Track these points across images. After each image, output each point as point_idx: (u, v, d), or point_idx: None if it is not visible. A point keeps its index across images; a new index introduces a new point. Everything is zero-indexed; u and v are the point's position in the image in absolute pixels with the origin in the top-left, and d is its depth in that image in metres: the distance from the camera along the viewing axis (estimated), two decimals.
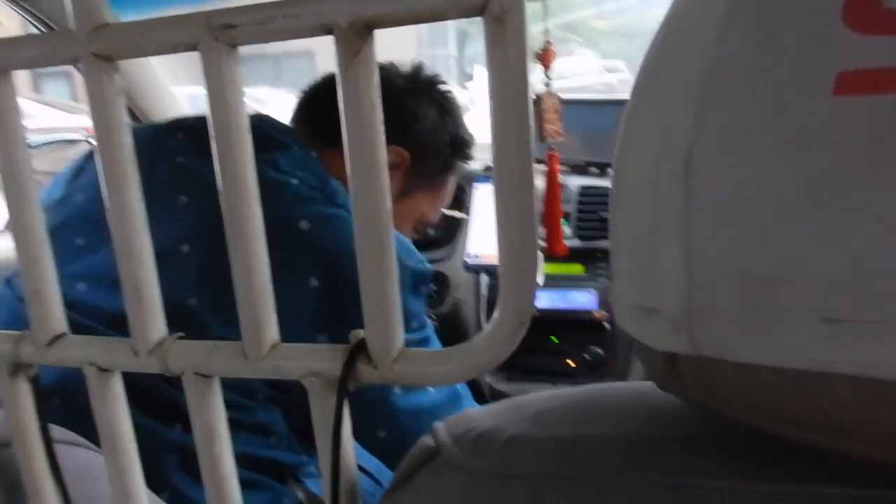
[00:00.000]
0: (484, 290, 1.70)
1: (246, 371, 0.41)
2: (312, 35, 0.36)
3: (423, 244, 1.84)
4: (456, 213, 1.82)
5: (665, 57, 0.29)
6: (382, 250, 0.36)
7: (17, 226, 0.43)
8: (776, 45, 0.24)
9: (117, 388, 0.45)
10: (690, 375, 0.27)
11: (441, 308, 1.72)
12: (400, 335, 0.38)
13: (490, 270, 1.67)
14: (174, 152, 0.90)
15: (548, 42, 1.34)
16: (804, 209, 0.23)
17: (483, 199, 1.75)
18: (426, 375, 0.38)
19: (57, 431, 0.52)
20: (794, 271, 0.23)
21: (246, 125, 0.38)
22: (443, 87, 1.10)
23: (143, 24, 0.38)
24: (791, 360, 0.23)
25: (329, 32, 0.35)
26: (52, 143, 2.48)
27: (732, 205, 0.24)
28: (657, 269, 0.27)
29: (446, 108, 1.09)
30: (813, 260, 0.22)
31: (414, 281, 0.88)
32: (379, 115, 0.35)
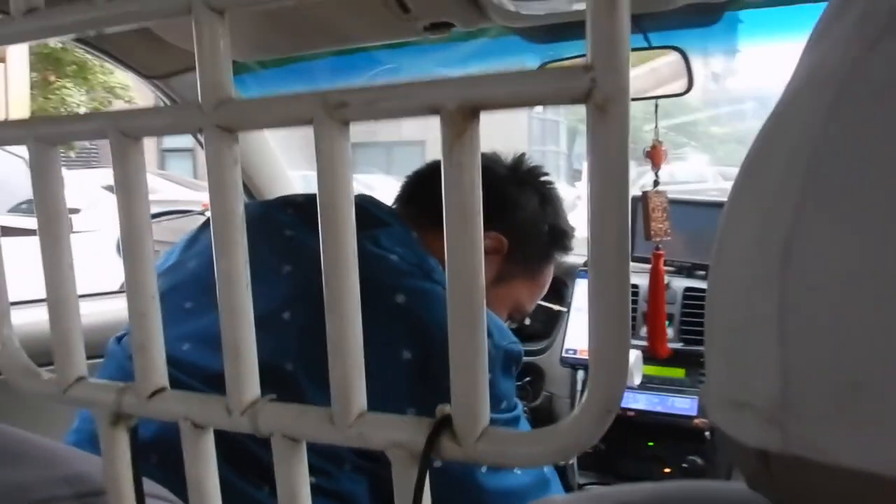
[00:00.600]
0: (580, 386, 1.68)
1: (332, 437, 0.42)
2: (420, 115, 0.37)
3: (521, 336, 1.83)
4: (555, 307, 1.82)
5: (767, 148, 0.29)
6: (474, 328, 0.37)
7: (130, 283, 0.46)
8: (880, 144, 0.24)
9: (209, 444, 0.47)
10: (781, 475, 0.26)
11: (535, 401, 1.70)
12: (486, 413, 0.38)
13: (587, 366, 1.64)
14: (283, 226, 0.94)
15: (658, 141, 1.35)
16: None
17: (583, 294, 1.74)
18: (509, 456, 0.37)
19: (149, 485, 0.54)
20: (891, 369, 0.22)
21: (351, 198, 0.40)
22: (544, 178, 1.12)
23: (263, 101, 0.41)
24: (884, 466, 0.22)
25: (436, 113, 0.36)
26: (171, 213, 2.62)
27: (831, 295, 0.24)
28: (751, 360, 0.26)
29: (547, 198, 1.11)
30: None
31: (505, 361, 0.88)
32: (478, 196, 0.36)
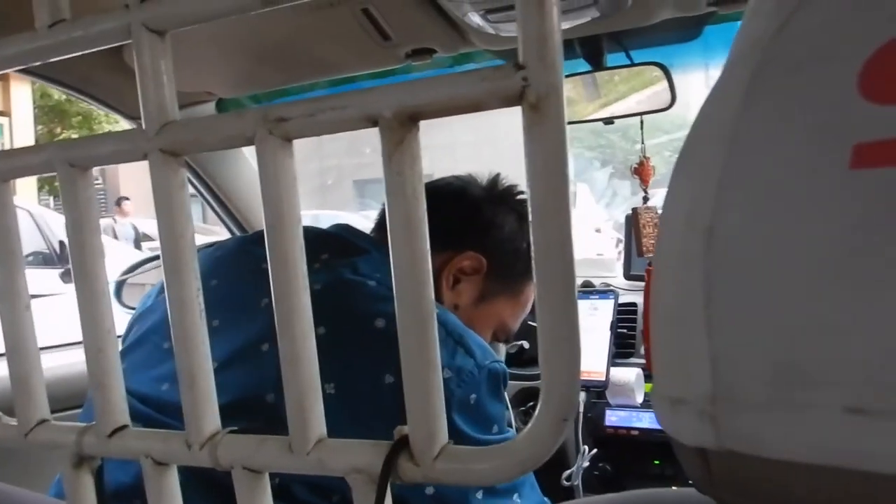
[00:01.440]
0: (582, 408, 1.65)
1: (292, 466, 0.40)
2: (359, 127, 0.36)
3: (524, 361, 1.82)
4: None
5: (698, 127, 0.28)
6: (425, 340, 0.36)
7: (84, 317, 0.45)
8: (795, 120, 0.23)
9: (172, 482, 0.45)
10: (720, 474, 0.24)
11: None
12: (443, 432, 0.37)
13: (588, 386, 1.63)
14: (260, 259, 0.93)
15: (645, 157, 1.34)
16: (824, 284, 0.21)
17: (581, 315, 1.72)
18: (470, 473, 0.36)
19: None
20: (812, 353, 0.21)
21: (298, 217, 0.39)
22: (520, 196, 1.11)
23: (206, 121, 0.40)
24: (824, 455, 0.21)
25: (374, 124, 0.35)
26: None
27: (754, 275, 0.22)
28: (683, 352, 0.25)
29: (524, 216, 1.10)
30: (833, 342, 0.20)
31: (491, 381, 0.87)
32: (422, 206, 0.35)
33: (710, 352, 0.23)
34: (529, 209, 0.33)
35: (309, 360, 0.39)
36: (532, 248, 0.33)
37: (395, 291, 0.36)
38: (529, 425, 0.34)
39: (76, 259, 0.44)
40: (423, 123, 0.35)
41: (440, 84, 0.34)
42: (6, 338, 0.48)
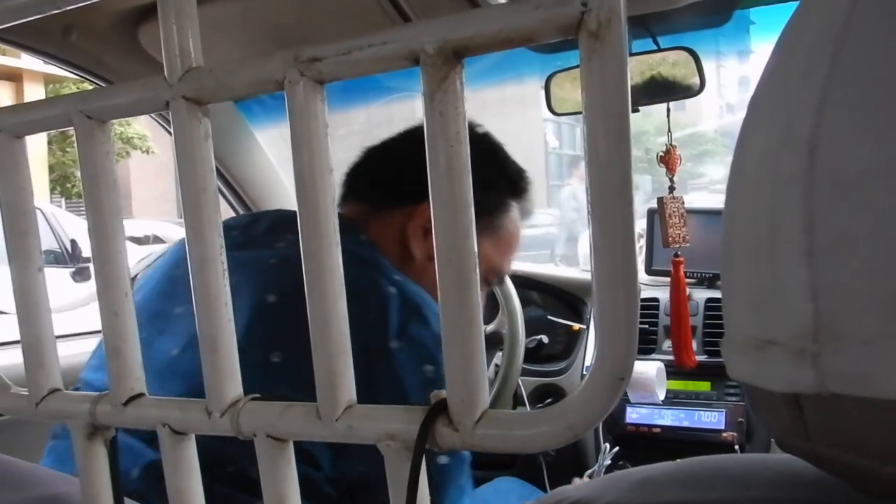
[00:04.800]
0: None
1: (319, 433, 0.38)
2: (400, 66, 0.34)
3: (542, 357, 1.79)
4: (575, 325, 1.77)
5: (786, 51, 0.25)
6: (466, 298, 0.33)
7: (100, 279, 0.42)
8: None
9: (190, 452, 0.43)
10: (817, 423, 0.22)
11: None
12: (485, 395, 0.34)
13: None
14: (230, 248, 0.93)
15: (672, 145, 1.31)
16: None
17: None
18: (513, 439, 0.33)
19: None
20: None
21: (329, 167, 0.36)
22: (480, 129, 1.07)
23: (230, 64, 0.37)
24: None
25: (416, 62, 0.33)
26: None
27: (862, 201, 0.20)
28: (775, 286, 0.22)
29: (488, 148, 1.07)
30: None
31: None
32: (465, 150, 0.33)
33: (810, 282, 0.21)
34: (585, 147, 0.30)
35: (338, 323, 0.37)
36: (587, 190, 0.30)
37: (435, 247, 0.33)
38: (581, 386, 0.32)
39: (92, 217, 0.42)
40: None
41: (488, 15, 0.31)
42: (18, 302, 0.46)
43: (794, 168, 0.21)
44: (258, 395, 0.41)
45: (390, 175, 1.02)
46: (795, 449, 0.24)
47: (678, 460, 0.32)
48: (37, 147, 11.70)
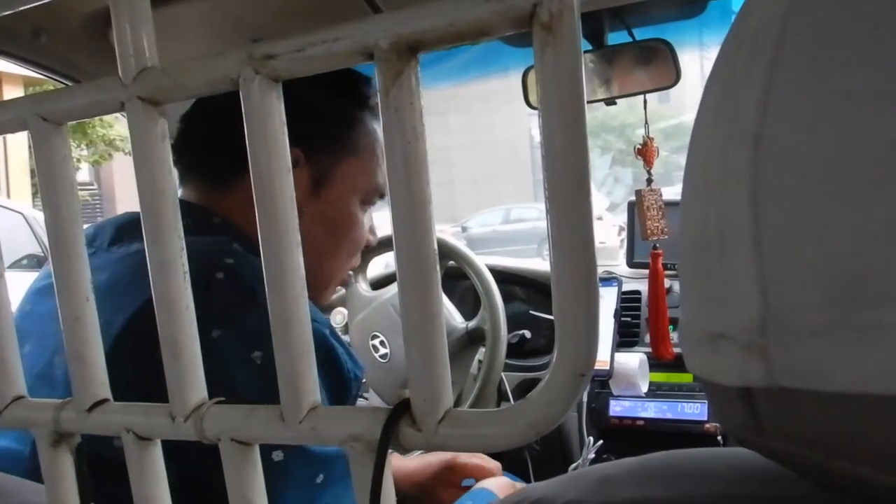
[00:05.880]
0: (585, 397, 1.63)
1: (283, 436, 0.37)
2: (354, 62, 0.33)
3: (526, 352, 1.79)
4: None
5: (732, 41, 0.24)
6: (427, 295, 0.33)
7: (60, 282, 0.42)
8: (853, 15, 0.20)
9: (156, 458, 0.42)
10: (769, 417, 0.21)
11: None
12: (447, 395, 0.34)
13: (594, 377, 1.59)
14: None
15: (649, 138, 1.31)
16: (890, 186, 0.18)
17: None
18: (475, 438, 0.33)
19: None
20: (879, 265, 0.18)
21: (288, 165, 0.36)
22: None
23: (186, 63, 0.37)
24: (891, 384, 0.18)
25: (370, 58, 0.32)
26: None
27: (808, 190, 0.19)
28: (725, 281, 0.22)
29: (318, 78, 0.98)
30: None
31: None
32: (423, 144, 0.32)
33: (758, 274, 0.20)
34: (541, 140, 0.29)
35: (300, 322, 0.36)
36: (545, 184, 0.30)
37: (394, 242, 0.33)
38: (541, 384, 0.31)
39: (51, 222, 0.41)
40: None
41: (440, 10, 0.31)
42: None
43: (739, 159, 0.21)
44: (222, 399, 0.40)
45: (222, 144, 0.91)
46: (750, 443, 0.23)
47: (640, 456, 0.32)
48: (19, 150, 11.62)
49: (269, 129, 0.35)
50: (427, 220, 0.32)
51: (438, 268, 0.33)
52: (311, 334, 0.37)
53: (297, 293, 0.36)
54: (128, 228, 0.91)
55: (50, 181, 0.41)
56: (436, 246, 0.33)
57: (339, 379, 0.82)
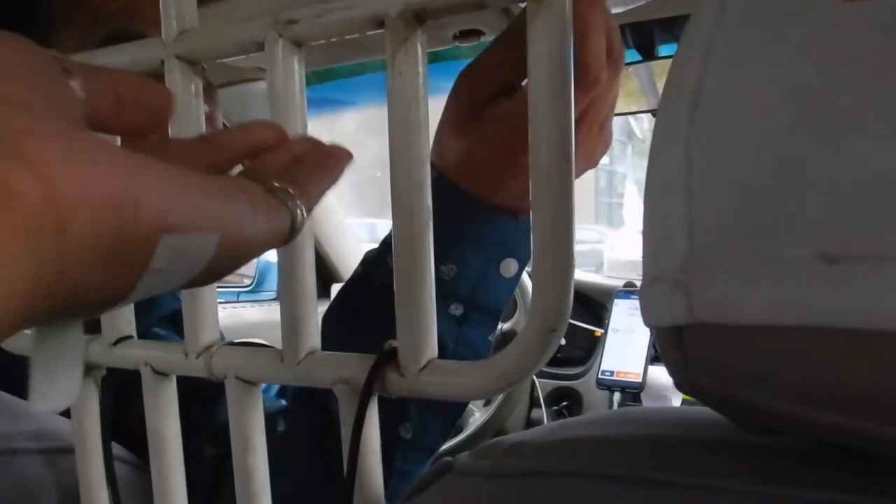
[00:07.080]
0: (615, 407, 1.63)
1: (282, 376, 0.40)
2: (368, 29, 0.36)
3: (561, 360, 1.79)
4: (597, 331, 1.77)
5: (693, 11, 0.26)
6: (419, 248, 0.35)
7: None
8: None
9: (170, 391, 0.45)
10: (693, 354, 0.23)
11: None
12: (432, 345, 0.36)
13: (623, 387, 1.59)
14: None
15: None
16: (796, 128, 0.19)
17: (622, 314, 1.69)
18: (452, 386, 0.35)
19: (116, 448, 0.52)
20: (782, 203, 0.19)
21: (305, 123, 0.39)
22: None
23: (218, 25, 0.40)
24: (793, 315, 0.19)
25: (381, 25, 0.35)
26: None
27: (729, 139, 0.21)
28: (663, 225, 0.24)
29: None
30: (802, 186, 0.19)
31: None
32: (424, 108, 0.35)
33: (686, 218, 0.22)
34: (529, 107, 0.32)
35: (306, 270, 0.39)
36: (530, 150, 0.32)
37: (391, 197, 0.35)
38: (516, 338, 0.34)
39: None
40: None
41: None
42: None
43: (680, 113, 0.23)
44: (232, 341, 0.43)
45: None
46: (682, 385, 0.25)
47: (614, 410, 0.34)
48: None
49: (289, 89, 0.38)
50: (423, 177, 0.35)
51: (431, 224, 0.35)
52: (314, 281, 0.39)
53: (303, 247, 0.39)
54: None
55: None
56: (430, 202, 0.35)
57: None
